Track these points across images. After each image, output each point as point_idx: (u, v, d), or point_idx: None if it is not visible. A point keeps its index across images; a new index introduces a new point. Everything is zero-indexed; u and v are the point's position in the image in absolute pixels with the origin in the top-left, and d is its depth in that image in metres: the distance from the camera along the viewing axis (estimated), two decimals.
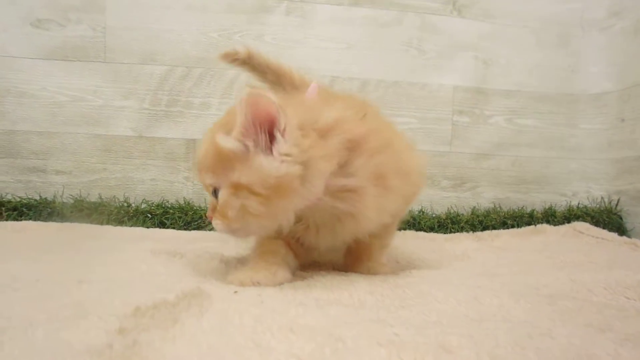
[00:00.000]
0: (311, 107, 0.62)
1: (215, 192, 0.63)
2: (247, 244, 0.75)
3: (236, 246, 0.87)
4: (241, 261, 0.78)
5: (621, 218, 1.37)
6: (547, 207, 1.41)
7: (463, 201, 1.45)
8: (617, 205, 1.38)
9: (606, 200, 1.41)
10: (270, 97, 0.55)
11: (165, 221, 1.27)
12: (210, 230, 0.74)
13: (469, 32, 1.46)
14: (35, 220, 1.23)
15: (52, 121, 1.33)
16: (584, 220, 1.34)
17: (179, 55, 1.36)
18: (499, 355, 0.39)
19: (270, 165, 0.57)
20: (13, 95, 1.31)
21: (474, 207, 1.43)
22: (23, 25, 1.30)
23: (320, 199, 0.62)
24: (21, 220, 1.22)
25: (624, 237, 1.16)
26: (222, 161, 0.59)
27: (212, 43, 1.37)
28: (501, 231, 1.28)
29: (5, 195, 1.29)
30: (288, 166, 0.57)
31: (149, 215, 1.28)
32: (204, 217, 0.75)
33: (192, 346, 0.40)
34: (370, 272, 0.75)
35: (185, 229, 1.27)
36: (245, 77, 1.35)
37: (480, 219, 1.36)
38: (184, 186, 1.37)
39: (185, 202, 1.33)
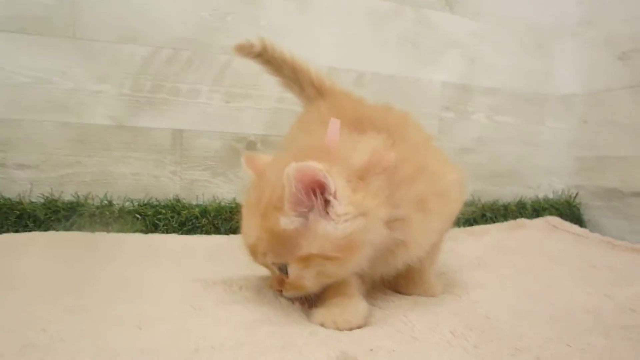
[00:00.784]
0: (344, 154, 0.61)
1: (280, 268, 0.62)
2: None
3: None
4: None
5: (579, 210, 1.52)
6: (518, 200, 1.53)
7: None
8: (575, 198, 1.54)
9: (566, 193, 1.56)
10: (316, 166, 0.54)
11: (158, 222, 1.16)
12: None
13: (459, 29, 1.49)
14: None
15: (11, 106, 1.12)
16: (550, 212, 1.48)
17: (165, 35, 1.21)
18: None
19: (334, 228, 0.57)
20: None
21: None
22: None
23: (383, 233, 0.61)
24: None
25: (597, 234, 1.29)
26: (282, 241, 0.59)
27: (203, 23, 1.24)
28: (488, 226, 1.36)
29: None
30: (352, 223, 0.57)
31: (138, 216, 1.16)
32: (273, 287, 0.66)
33: None
34: (427, 294, 0.77)
35: (180, 230, 1.17)
36: (238, 63, 1.26)
37: (462, 210, 1.43)
38: (171, 181, 1.25)
39: (175, 200, 1.22)
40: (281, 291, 0.64)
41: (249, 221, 0.64)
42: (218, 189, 1.28)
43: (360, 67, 1.39)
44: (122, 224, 1.13)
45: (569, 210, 1.51)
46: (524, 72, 1.58)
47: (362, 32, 1.39)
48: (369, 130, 0.67)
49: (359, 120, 0.71)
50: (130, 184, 1.22)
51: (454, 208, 0.75)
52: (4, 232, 1.05)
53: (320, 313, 0.62)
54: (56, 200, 1.13)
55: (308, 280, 0.61)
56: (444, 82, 1.48)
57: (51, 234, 1.05)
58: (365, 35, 1.39)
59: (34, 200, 1.12)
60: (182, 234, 1.17)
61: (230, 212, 1.22)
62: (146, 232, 1.14)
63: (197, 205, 1.22)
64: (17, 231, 1.06)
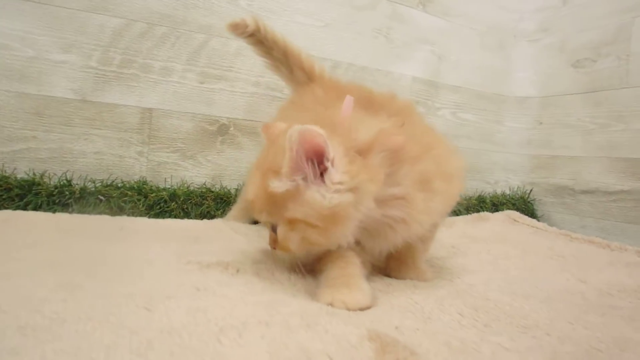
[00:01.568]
0: (349, 128, 0.62)
1: (273, 228, 0.64)
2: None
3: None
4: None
5: (533, 205, 1.60)
6: (478, 194, 1.58)
7: None
8: (529, 194, 1.61)
9: (521, 189, 1.64)
10: (318, 130, 0.56)
11: (124, 205, 1.09)
12: None
13: (429, 27, 1.52)
14: None
15: None
16: (507, 207, 1.55)
17: (139, 7, 1.15)
18: None
19: (322, 197, 0.58)
20: None
21: None
22: None
23: (371, 209, 0.62)
24: None
25: (555, 228, 1.36)
26: (275, 202, 0.61)
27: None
28: (454, 218, 1.40)
29: None
30: (340, 195, 0.58)
31: (102, 198, 1.08)
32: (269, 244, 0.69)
33: None
34: (419, 278, 0.78)
35: (147, 214, 1.11)
36: (215, 42, 1.22)
37: None
38: (136, 162, 1.18)
39: (141, 182, 1.16)
40: (275, 248, 0.66)
41: (252, 179, 0.65)
42: (187, 172, 1.23)
43: (337, 56, 1.38)
44: (84, 205, 1.06)
45: (524, 206, 1.58)
46: (486, 73, 1.64)
47: (340, 21, 1.39)
48: (380, 113, 0.68)
49: (370, 103, 0.72)
50: (92, 163, 1.14)
51: (456, 193, 0.76)
52: None
53: (328, 292, 0.61)
54: (8, 177, 1.03)
55: (293, 243, 0.62)
56: (414, 77, 1.51)
57: (7, 212, 0.96)
58: (342, 24, 1.39)
59: None
60: (150, 217, 1.11)
61: (201, 196, 1.18)
62: (111, 214, 1.07)
63: (164, 189, 1.16)
64: None
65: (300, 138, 0.56)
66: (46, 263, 0.65)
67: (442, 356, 0.47)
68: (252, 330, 0.47)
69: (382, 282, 0.73)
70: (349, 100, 0.64)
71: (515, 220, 1.42)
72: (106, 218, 1.02)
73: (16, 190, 1.02)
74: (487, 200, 1.55)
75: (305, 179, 0.58)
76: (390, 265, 0.79)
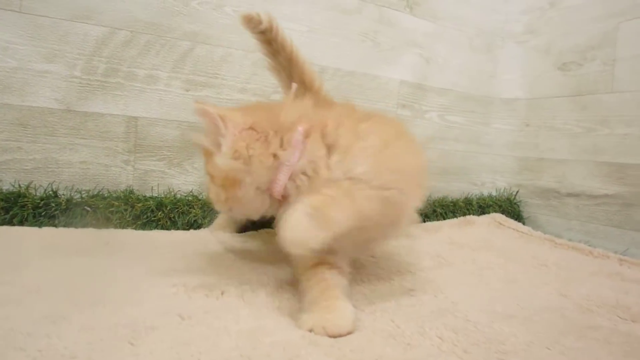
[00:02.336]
0: (274, 113, 0.74)
1: None
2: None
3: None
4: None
5: (519, 207, 1.62)
6: (464, 197, 1.59)
7: None
8: (516, 195, 1.63)
9: (508, 191, 1.65)
10: (210, 109, 0.71)
11: (111, 215, 1.09)
12: None
13: (417, 30, 1.52)
14: None
15: None
16: (494, 209, 1.56)
17: (123, 16, 1.13)
18: None
19: (219, 161, 0.71)
20: None
21: None
22: None
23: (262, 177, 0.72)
24: None
25: (539, 232, 1.37)
26: (205, 156, 0.76)
27: (166, 7, 1.17)
28: (440, 222, 1.41)
29: None
30: (230, 162, 0.70)
31: (88, 209, 1.08)
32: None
33: None
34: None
35: (134, 224, 1.11)
36: (200, 50, 1.21)
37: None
38: (123, 171, 1.18)
39: (128, 191, 1.16)
40: None
41: None
42: (174, 180, 1.23)
43: (323, 61, 1.38)
44: (70, 216, 1.06)
45: (510, 207, 1.60)
46: (473, 75, 1.65)
47: (326, 26, 1.38)
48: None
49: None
50: (78, 173, 1.14)
51: (397, 187, 0.70)
52: None
53: (309, 319, 0.62)
54: None
55: (211, 193, 0.75)
56: (402, 81, 1.51)
57: None
58: (329, 29, 1.39)
59: None
60: (136, 228, 1.10)
61: (188, 205, 1.18)
62: (97, 225, 1.07)
63: (151, 198, 1.16)
64: None
65: (199, 113, 0.72)
66: (32, 288, 0.66)
67: None
68: None
69: (365, 301, 0.74)
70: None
71: (500, 224, 1.44)
72: (92, 232, 1.02)
73: (1, 203, 1.01)
74: (474, 202, 1.56)
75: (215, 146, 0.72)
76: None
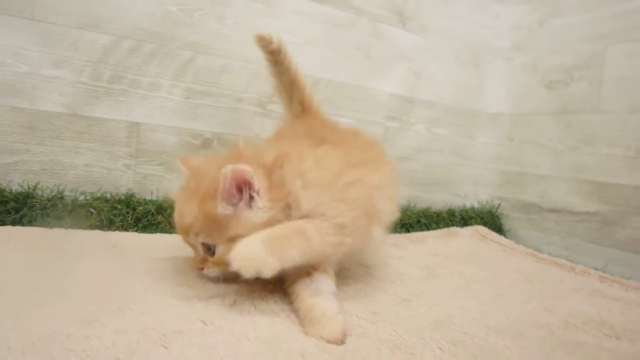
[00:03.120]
0: (262, 155, 0.79)
1: (209, 248, 0.76)
2: None
3: None
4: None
5: (500, 220, 1.70)
6: (448, 208, 1.67)
7: None
8: (497, 208, 1.71)
9: (490, 203, 1.73)
10: (247, 168, 0.71)
11: (114, 218, 1.13)
12: None
13: (408, 44, 1.58)
14: None
15: None
16: (476, 221, 1.63)
17: (129, 25, 1.17)
18: None
19: (255, 217, 0.72)
20: None
21: None
22: None
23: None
24: None
25: (522, 247, 1.43)
26: (216, 224, 0.73)
27: (170, 17, 1.21)
28: (425, 233, 1.47)
29: None
30: (266, 213, 0.73)
31: (92, 211, 1.12)
32: (195, 265, 0.80)
33: None
34: None
35: (135, 227, 1.15)
36: (201, 60, 1.25)
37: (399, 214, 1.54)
38: (124, 174, 1.21)
39: (129, 195, 1.19)
40: (201, 269, 0.78)
41: (186, 205, 0.77)
42: (172, 185, 1.27)
43: (317, 73, 1.44)
44: (76, 218, 1.09)
45: (491, 220, 1.67)
46: (460, 89, 1.72)
47: (320, 38, 1.44)
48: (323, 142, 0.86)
49: (322, 140, 0.87)
50: (81, 175, 1.17)
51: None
52: None
53: (306, 328, 0.67)
54: (4, 190, 1.05)
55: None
56: (391, 93, 1.57)
57: (7, 229, 0.99)
58: (323, 41, 1.44)
59: None
60: (138, 230, 1.15)
61: None
62: (101, 227, 1.11)
63: (151, 202, 1.20)
64: None
65: (233, 175, 0.70)
66: (62, 292, 0.70)
67: None
68: None
69: (366, 311, 0.79)
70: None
71: (483, 237, 1.50)
72: (99, 234, 1.06)
73: (12, 204, 1.05)
74: (457, 214, 1.63)
75: (240, 203, 0.72)
76: None
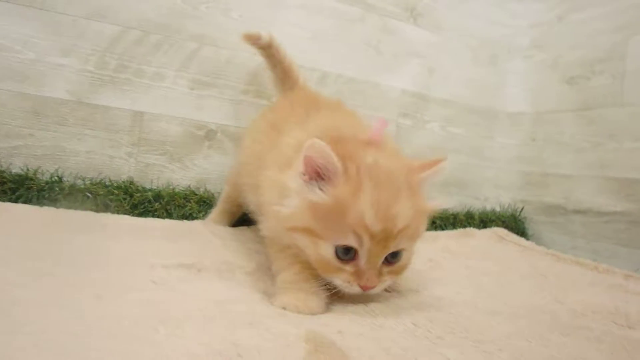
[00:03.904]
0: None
1: (392, 255, 0.64)
2: None
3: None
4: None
5: (524, 224, 1.60)
6: (466, 210, 1.59)
7: None
8: (521, 212, 1.62)
9: (512, 206, 1.64)
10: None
11: (109, 203, 1.13)
12: None
13: (420, 40, 1.55)
14: None
15: None
16: (496, 224, 1.55)
17: (135, 16, 1.19)
18: None
19: None
20: None
21: None
22: None
23: None
24: None
25: (543, 247, 1.33)
26: (421, 222, 0.67)
27: (176, 9, 1.23)
28: (438, 232, 1.40)
29: None
30: None
31: (89, 195, 1.12)
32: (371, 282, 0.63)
33: None
34: None
35: (131, 213, 1.14)
36: (207, 51, 1.26)
37: None
38: (125, 162, 1.21)
39: (128, 182, 1.19)
40: (366, 289, 0.62)
41: (396, 201, 0.61)
42: (173, 175, 1.26)
43: (325, 67, 1.42)
44: (72, 201, 1.09)
45: (514, 224, 1.58)
46: (478, 87, 1.66)
47: (329, 33, 1.42)
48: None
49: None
50: (83, 161, 1.18)
51: None
52: None
53: (282, 297, 0.63)
54: (3, 171, 1.07)
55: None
56: (404, 90, 1.53)
57: None
58: (332, 36, 1.42)
59: None
60: (133, 216, 1.14)
61: (184, 198, 1.21)
62: (96, 211, 1.11)
63: (150, 189, 1.20)
64: None
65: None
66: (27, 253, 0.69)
67: None
68: (195, 323, 0.50)
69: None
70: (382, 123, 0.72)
71: (502, 238, 1.41)
72: (90, 214, 1.06)
73: (9, 184, 1.06)
74: (476, 216, 1.55)
75: None
76: None
